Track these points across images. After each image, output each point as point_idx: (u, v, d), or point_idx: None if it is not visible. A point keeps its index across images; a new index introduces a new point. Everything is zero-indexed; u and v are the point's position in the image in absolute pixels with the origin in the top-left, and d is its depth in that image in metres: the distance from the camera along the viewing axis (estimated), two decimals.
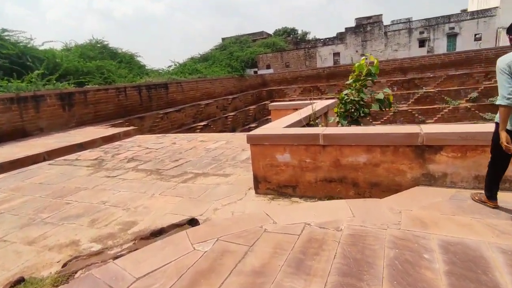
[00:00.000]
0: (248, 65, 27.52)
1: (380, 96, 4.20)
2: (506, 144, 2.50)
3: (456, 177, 3.14)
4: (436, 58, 20.33)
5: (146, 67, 21.52)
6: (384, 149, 3.36)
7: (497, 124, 2.64)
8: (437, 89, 19.90)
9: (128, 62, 19.81)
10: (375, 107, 4.22)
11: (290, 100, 23.44)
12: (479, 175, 3.06)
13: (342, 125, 4.43)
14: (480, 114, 18.75)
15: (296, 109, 7.41)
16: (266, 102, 23.25)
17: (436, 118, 19.49)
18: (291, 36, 38.36)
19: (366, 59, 4.47)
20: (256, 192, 4.12)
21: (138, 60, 21.31)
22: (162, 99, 15.76)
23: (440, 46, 27.13)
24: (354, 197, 3.61)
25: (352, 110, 4.34)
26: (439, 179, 3.21)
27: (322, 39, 31.30)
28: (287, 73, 24.92)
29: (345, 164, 3.58)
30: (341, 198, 3.67)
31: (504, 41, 25.49)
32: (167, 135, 9.46)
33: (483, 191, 2.94)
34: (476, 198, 2.83)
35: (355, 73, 4.51)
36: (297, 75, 24.27)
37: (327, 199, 3.71)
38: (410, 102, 20.17)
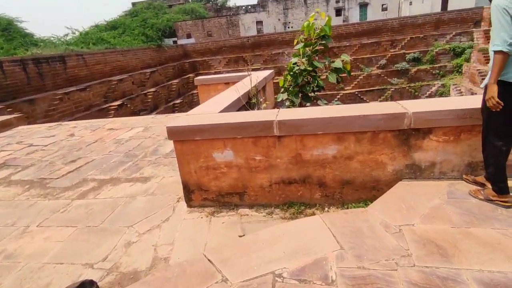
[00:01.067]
0: (166, 34, 24.34)
1: (338, 64, 3.28)
2: (494, 100, 1.96)
3: (447, 166, 2.43)
4: (351, 27, 20.82)
5: (34, 36, 17.07)
6: (359, 137, 2.44)
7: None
8: (353, 57, 20.56)
9: (5, 29, 15.33)
10: (331, 79, 3.30)
11: (216, 72, 21.75)
12: (472, 161, 2.40)
13: (295, 105, 3.43)
14: (388, 79, 20.10)
15: (228, 83, 6.15)
16: (190, 75, 21.13)
17: (353, 84, 20.32)
18: (211, 2, 35.36)
19: (316, 17, 3.45)
20: (189, 205, 2.89)
21: (21, 27, 16.72)
22: (59, 76, 12.56)
23: (354, 15, 28.21)
24: (321, 200, 2.68)
25: (304, 83, 3.35)
26: (426, 170, 2.47)
27: (243, 6, 29.45)
28: (210, 43, 22.83)
29: (309, 159, 2.59)
30: (304, 203, 2.71)
31: (405, 11, 27.74)
32: (63, 123, 7.23)
33: (480, 181, 2.29)
34: (481, 196, 2.14)
35: (303, 36, 3.47)
36: (221, 45, 22.43)
37: (287, 207, 2.71)
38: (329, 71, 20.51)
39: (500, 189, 2.07)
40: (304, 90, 3.33)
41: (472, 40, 17.99)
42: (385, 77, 20.03)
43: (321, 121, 2.42)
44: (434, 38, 18.84)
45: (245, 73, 6.59)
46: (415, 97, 18.39)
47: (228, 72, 21.45)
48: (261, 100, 4.77)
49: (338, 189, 2.63)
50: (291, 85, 3.40)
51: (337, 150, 2.51)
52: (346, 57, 3.38)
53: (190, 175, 2.79)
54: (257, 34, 27.97)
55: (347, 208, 2.59)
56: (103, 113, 13.20)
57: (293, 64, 3.39)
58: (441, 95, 17.93)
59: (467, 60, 17.48)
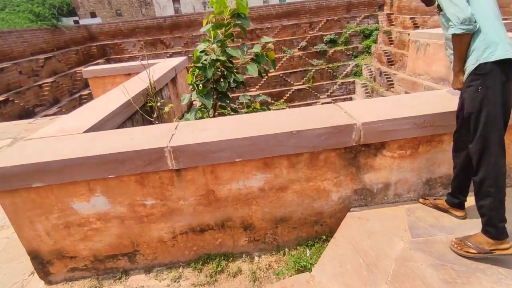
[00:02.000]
0: (63, 13, 20.16)
1: (257, 49, 2.41)
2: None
3: (402, 186, 1.86)
4: (272, 8, 20.28)
5: None
6: (294, 160, 1.67)
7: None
8: (275, 39, 20.22)
9: None
10: (251, 71, 2.44)
11: (130, 57, 19.08)
12: (431, 178, 1.87)
13: (207, 109, 2.48)
14: (309, 61, 20.43)
15: (130, 75, 4.84)
16: (100, 60, 18.07)
17: (277, 67, 20.11)
18: None
19: None
20: (47, 282, 1.79)
21: None
22: None
23: None
24: (249, 247, 1.88)
25: (218, 78, 2.43)
26: (379, 194, 1.86)
27: None
28: (121, 24, 19.74)
29: (226, 196, 1.73)
30: (226, 254, 1.87)
31: None
32: None
33: (442, 207, 1.77)
34: (473, 250, 1.46)
35: (212, 15, 2.50)
36: (134, 26, 19.59)
37: (202, 263, 1.84)
38: (250, 61, 19.86)
39: (500, 231, 1.43)
40: (218, 88, 2.42)
41: (378, 23, 19.21)
42: (306, 59, 20.27)
43: (240, 143, 1.57)
44: (347, 20, 19.59)
45: (155, 60, 5.32)
46: (334, 77, 19.09)
47: (145, 57, 19.04)
48: (168, 101, 3.70)
49: (270, 229, 1.86)
50: (201, 81, 2.45)
51: (265, 181, 1.71)
52: (266, 39, 2.55)
53: (40, 239, 1.68)
54: (175, 14, 25.42)
55: (283, 254, 1.86)
56: None
57: (200, 52, 2.42)
58: (355, 74, 18.96)
59: (375, 41, 18.67)
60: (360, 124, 1.58)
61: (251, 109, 3.09)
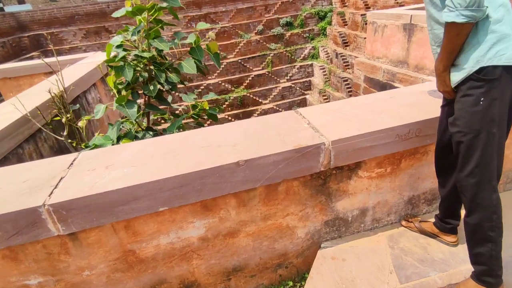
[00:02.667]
0: None
1: (191, 38, 1.82)
2: (450, 94, 1.14)
3: (382, 210, 1.49)
4: None
5: None
6: (245, 197, 1.20)
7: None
8: (231, 24, 19.29)
9: None
10: (187, 68, 1.87)
11: (71, 49, 17.04)
12: (414, 195, 1.51)
13: (138, 126, 1.88)
14: (267, 45, 19.88)
15: (52, 73, 3.95)
16: (35, 53, 15.86)
17: (235, 52, 19.32)
18: None
19: None
20: None
21: None
22: None
23: None
24: None
25: (145, 80, 1.83)
26: (354, 222, 1.47)
27: None
28: (56, 10, 17.37)
29: (153, 254, 1.22)
30: None
31: None
32: None
33: (429, 231, 1.43)
34: None
35: None
36: (73, 13, 17.36)
37: None
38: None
39: (499, 279, 1.12)
40: (146, 93, 1.83)
41: (332, 4, 19.09)
42: (264, 43, 19.69)
43: (164, 186, 1.05)
44: (302, 2, 19.20)
45: (84, 54, 4.44)
46: (292, 60, 18.82)
47: (89, 47, 17.13)
48: (95, 103, 3.01)
49: (221, 284, 1.39)
50: (123, 86, 1.83)
51: (207, 227, 1.22)
52: (203, 25, 1.94)
53: None
54: None
55: None
56: None
57: (117, 47, 1.79)
58: (313, 57, 18.86)
59: (330, 23, 18.58)
60: (329, 142, 1.14)
61: (197, 110, 2.53)
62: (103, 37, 17.64)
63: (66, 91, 2.32)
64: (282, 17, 18.59)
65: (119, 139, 1.81)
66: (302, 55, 18.57)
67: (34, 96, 2.20)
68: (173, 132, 1.98)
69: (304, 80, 18.32)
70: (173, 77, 1.91)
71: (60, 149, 2.21)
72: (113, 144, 1.81)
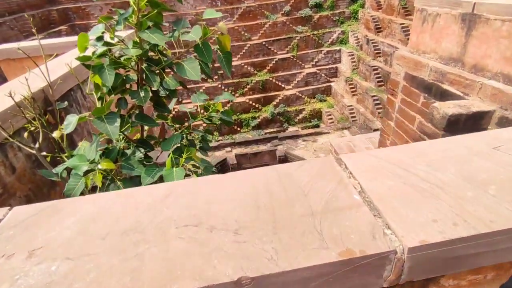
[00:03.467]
0: None
1: (196, 34, 1.24)
2: None
3: None
4: None
5: None
6: None
7: None
8: (257, 3, 18.25)
9: None
10: (190, 73, 1.33)
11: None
12: None
13: (115, 150, 1.42)
14: (294, 27, 18.74)
15: (57, 56, 3.57)
16: (63, 27, 15.83)
17: (260, 34, 18.38)
18: None
19: None
20: None
21: None
22: None
23: None
24: None
25: (137, 84, 1.34)
26: None
27: None
28: None
29: None
30: None
31: None
32: None
33: None
34: None
35: None
36: None
37: None
38: (235, 19, 17.95)
39: None
40: (136, 101, 1.36)
41: None
42: (290, 25, 18.58)
43: None
44: None
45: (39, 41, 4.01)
46: (319, 45, 17.70)
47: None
48: (87, 101, 2.59)
49: None
50: (102, 92, 1.38)
51: None
52: (211, 13, 1.36)
53: None
54: None
55: None
56: None
57: (97, 40, 1.30)
58: (341, 42, 17.62)
59: (362, 6, 17.10)
60: (404, 249, 0.63)
61: (208, 113, 2.05)
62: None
63: (53, 85, 1.89)
64: None
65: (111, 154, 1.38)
66: (330, 40, 17.35)
67: (13, 92, 1.79)
68: (169, 149, 1.52)
69: (330, 66, 17.22)
70: (170, 82, 1.42)
71: (39, 160, 1.83)
72: (91, 163, 1.38)
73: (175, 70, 1.40)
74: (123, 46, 1.34)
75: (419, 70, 4.26)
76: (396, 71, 4.78)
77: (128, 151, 1.52)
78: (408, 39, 13.41)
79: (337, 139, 8.61)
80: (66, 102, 1.95)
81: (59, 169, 1.51)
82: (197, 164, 1.52)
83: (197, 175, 1.46)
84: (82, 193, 1.38)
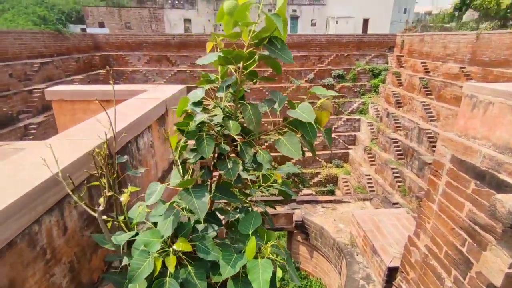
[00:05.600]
0: (71, 20, 19.39)
1: (305, 110, 1.21)
2: None
3: None
4: None
5: None
6: None
7: None
8: (283, 69, 19.58)
9: None
10: (290, 151, 1.22)
11: (133, 71, 18.16)
12: None
13: (189, 225, 1.26)
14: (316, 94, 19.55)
15: (109, 101, 3.67)
16: (101, 71, 17.10)
17: (284, 94, 19.20)
18: None
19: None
20: None
21: None
22: None
23: None
24: None
25: (223, 155, 1.23)
26: None
27: (170, 0, 25.65)
28: (129, 37, 19.00)
29: None
30: None
31: (332, 28, 28.08)
32: None
33: None
34: None
35: (222, 37, 1.37)
36: (142, 41, 18.85)
37: None
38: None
39: None
40: (224, 173, 1.21)
41: (387, 63, 18.70)
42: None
43: None
44: (356, 57, 19.09)
45: (145, 86, 4.16)
46: (339, 112, 18.27)
47: (149, 72, 18.14)
48: (144, 150, 2.51)
49: None
50: (190, 157, 1.26)
51: None
52: (320, 90, 1.32)
53: None
54: (184, 33, 24.92)
55: None
56: None
57: (194, 105, 1.23)
58: (361, 112, 18.17)
59: (383, 81, 18.04)
60: None
61: (268, 183, 1.88)
62: (163, 65, 18.69)
63: (117, 137, 1.79)
64: (334, 69, 18.47)
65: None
66: (350, 109, 17.95)
67: (75, 143, 1.71)
68: (248, 232, 1.31)
69: (349, 133, 17.45)
70: (264, 156, 1.31)
71: (91, 218, 1.65)
72: (165, 243, 1.18)
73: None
74: (220, 114, 1.25)
75: (469, 155, 4.10)
76: (441, 152, 4.64)
77: (199, 227, 1.32)
78: (429, 116, 13.69)
79: (360, 211, 8.17)
80: (126, 156, 1.84)
81: (120, 239, 1.31)
82: (276, 252, 1.30)
83: (281, 269, 1.23)
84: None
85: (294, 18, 27.76)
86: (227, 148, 1.27)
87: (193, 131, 1.18)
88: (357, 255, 7.07)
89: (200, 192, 1.15)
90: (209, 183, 1.37)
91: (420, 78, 14.92)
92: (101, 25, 22.83)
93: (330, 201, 10.03)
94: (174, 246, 1.15)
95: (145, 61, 18.55)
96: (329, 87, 18.45)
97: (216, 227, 1.34)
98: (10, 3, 16.91)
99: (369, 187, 14.43)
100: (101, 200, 1.37)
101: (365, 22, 28.39)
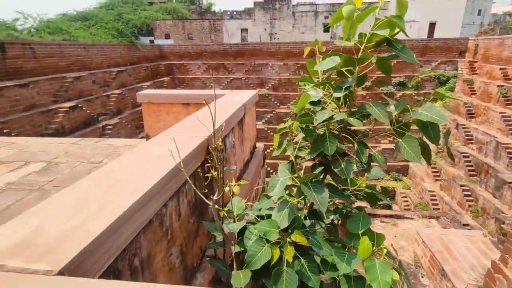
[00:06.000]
0: (142, 32, 21.58)
1: (433, 113, 1.19)
2: None
3: None
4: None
5: None
6: None
7: None
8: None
9: None
10: (409, 153, 1.20)
11: (193, 79, 19.41)
12: None
13: (300, 219, 1.30)
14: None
15: (188, 105, 3.98)
16: (165, 78, 18.63)
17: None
18: (196, 5, 32.65)
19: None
20: None
21: None
22: None
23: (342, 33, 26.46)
24: None
25: (337, 158, 1.26)
26: None
27: (229, 11, 27.02)
28: (190, 47, 20.44)
29: None
30: None
31: None
32: None
33: None
34: None
35: (339, 37, 1.40)
36: (202, 50, 20.12)
37: None
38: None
39: None
40: (338, 172, 1.24)
41: (457, 70, 17.05)
42: (370, 99, 18.61)
43: None
44: (420, 64, 17.77)
45: (219, 91, 4.44)
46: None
47: (207, 79, 19.21)
48: (229, 148, 2.66)
49: None
50: (305, 153, 1.30)
51: None
52: (441, 93, 1.29)
53: None
54: (241, 42, 25.91)
55: None
56: (48, 116, 10.51)
57: (313, 104, 1.29)
58: None
59: (451, 89, 16.46)
60: None
61: (355, 187, 1.85)
62: (220, 73, 19.65)
63: (215, 134, 1.94)
64: (395, 76, 17.42)
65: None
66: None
67: (185, 136, 1.89)
68: (357, 232, 1.31)
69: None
70: (379, 157, 1.31)
71: (195, 205, 1.81)
72: (282, 235, 1.25)
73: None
74: (342, 115, 1.28)
75: None
76: None
77: (306, 222, 1.36)
78: (509, 129, 12.05)
79: (426, 229, 7.50)
80: (224, 153, 1.97)
81: (232, 227, 1.42)
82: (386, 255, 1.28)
83: (397, 272, 1.20)
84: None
85: None
86: (343, 147, 1.29)
87: (311, 130, 1.23)
88: (422, 277, 6.48)
89: (319, 188, 1.19)
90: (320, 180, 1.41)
91: (498, 86, 13.32)
92: (167, 36, 25.00)
93: (390, 216, 9.40)
94: (291, 237, 1.20)
95: (204, 69, 19.69)
96: (389, 95, 17.45)
97: (322, 224, 1.37)
98: (94, 20, 19.44)
99: (433, 204, 13.18)
100: (217, 191, 1.50)
101: (432, 25, 26.35)
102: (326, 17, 26.46)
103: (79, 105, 11.62)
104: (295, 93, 18.40)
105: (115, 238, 0.99)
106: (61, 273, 0.78)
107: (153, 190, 1.25)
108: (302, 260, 1.25)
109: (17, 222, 1.00)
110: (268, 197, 1.55)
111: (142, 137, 10.05)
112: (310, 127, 1.25)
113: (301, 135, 1.31)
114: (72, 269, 0.81)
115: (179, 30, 25.48)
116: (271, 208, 1.51)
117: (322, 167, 1.28)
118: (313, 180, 1.23)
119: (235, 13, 26.93)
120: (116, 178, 1.32)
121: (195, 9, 30.39)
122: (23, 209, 2.54)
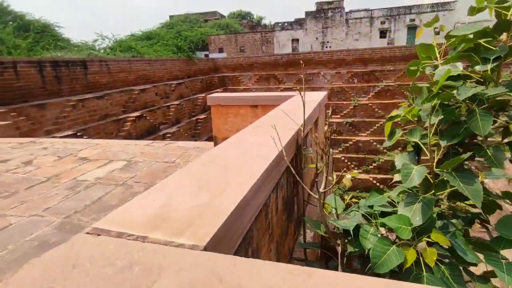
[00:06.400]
0: (198, 48, 23.02)
1: None
2: None
3: None
4: (397, 50, 18.22)
5: (71, 41, 16.18)
6: None
7: None
8: (397, 83, 17.93)
9: (39, 32, 14.47)
10: None
11: (244, 90, 19.92)
12: None
13: (434, 219, 1.11)
14: None
15: (256, 107, 3.98)
16: (218, 90, 19.42)
17: (399, 104, 17.51)
18: (247, 19, 33.92)
19: None
20: None
21: (58, 32, 15.91)
22: (78, 82, 11.18)
23: (401, 38, 25.14)
24: None
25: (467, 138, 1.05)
26: None
27: (280, 23, 27.48)
28: (242, 59, 21.12)
29: None
30: None
31: None
32: (40, 140, 5.36)
33: None
34: None
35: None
36: (253, 62, 20.63)
37: None
38: (370, 96, 17.95)
39: None
40: (485, 162, 0.99)
41: None
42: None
43: None
44: None
45: (278, 93, 4.38)
46: None
47: (258, 89, 19.54)
48: (307, 146, 2.50)
49: None
50: (445, 135, 1.11)
51: None
52: None
53: None
54: (292, 52, 26.06)
55: None
56: (119, 124, 11.60)
57: (455, 79, 1.08)
58: None
59: None
60: None
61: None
62: (270, 83, 19.86)
63: (304, 129, 1.81)
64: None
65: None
66: None
67: (281, 128, 1.80)
68: (510, 235, 1.05)
69: None
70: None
71: (287, 202, 1.69)
72: (413, 235, 1.06)
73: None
74: (492, 91, 1.06)
75: None
76: None
77: (440, 223, 1.15)
78: None
79: None
80: (310, 149, 1.83)
81: (344, 224, 1.26)
82: None
83: None
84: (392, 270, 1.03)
85: (412, 28, 25.07)
86: (491, 130, 1.07)
87: (451, 109, 1.04)
88: None
89: (468, 177, 0.98)
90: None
91: None
92: (220, 50, 26.29)
93: None
94: (431, 237, 1.00)
95: (255, 80, 20.11)
96: None
97: (459, 226, 1.14)
98: (157, 38, 21.30)
99: None
100: (323, 183, 1.36)
101: None
102: (382, 23, 25.25)
103: (144, 115, 12.63)
104: (348, 102, 17.72)
105: (241, 219, 0.91)
106: (205, 248, 0.71)
107: (264, 176, 1.17)
108: (442, 267, 1.03)
109: (143, 199, 0.98)
110: (380, 192, 1.36)
111: (205, 140, 10.56)
112: (449, 104, 1.06)
113: (434, 118, 1.12)
114: (215, 244, 0.74)
115: (232, 43, 26.61)
116: (385, 205, 1.33)
117: (469, 153, 1.06)
118: (457, 169, 1.02)
119: (286, 24, 27.27)
120: (223, 163, 1.27)
121: (247, 23, 31.60)
122: (112, 200, 2.70)
